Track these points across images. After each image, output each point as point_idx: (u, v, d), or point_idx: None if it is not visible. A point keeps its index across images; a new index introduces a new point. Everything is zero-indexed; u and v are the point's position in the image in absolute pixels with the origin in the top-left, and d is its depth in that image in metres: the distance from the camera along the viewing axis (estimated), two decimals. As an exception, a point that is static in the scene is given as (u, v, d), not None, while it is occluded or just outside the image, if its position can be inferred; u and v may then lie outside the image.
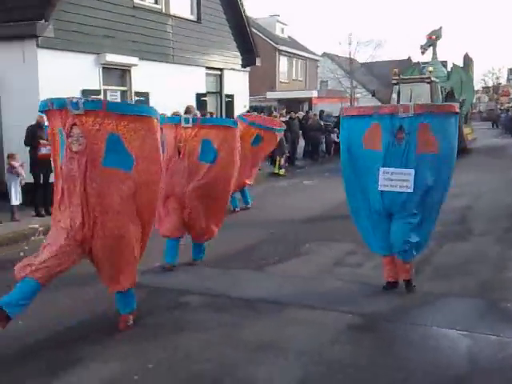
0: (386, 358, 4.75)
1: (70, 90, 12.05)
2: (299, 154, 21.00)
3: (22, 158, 10.39)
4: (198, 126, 7.13)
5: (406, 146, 5.84)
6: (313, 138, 21.08)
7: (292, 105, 30.95)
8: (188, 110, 12.12)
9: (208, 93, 17.88)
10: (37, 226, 9.47)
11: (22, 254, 8.07)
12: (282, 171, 17.57)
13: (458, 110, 6.13)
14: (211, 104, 18.22)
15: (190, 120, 7.13)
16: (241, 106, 19.10)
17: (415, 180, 5.86)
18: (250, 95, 21.50)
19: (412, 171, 5.84)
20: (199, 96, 17.04)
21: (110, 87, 13.87)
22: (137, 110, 5.21)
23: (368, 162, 6.03)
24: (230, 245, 8.51)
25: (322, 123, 21.73)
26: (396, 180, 5.89)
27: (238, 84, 19.32)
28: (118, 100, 14.09)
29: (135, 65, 14.20)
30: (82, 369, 4.63)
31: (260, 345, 4.96)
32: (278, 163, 17.54)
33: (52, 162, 5.44)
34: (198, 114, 12.72)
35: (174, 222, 7.27)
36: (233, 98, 19.09)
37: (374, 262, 7.09)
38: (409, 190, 5.88)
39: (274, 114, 19.33)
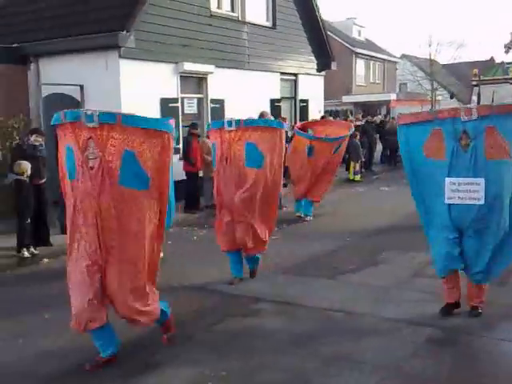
0: (467, 373, 4.58)
1: (150, 98, 12.46)
2: (376, 159, 20.64)
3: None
4: (242, 128, 6.73)
5: (473, 152, 5.28)
6: (390, 143, 20.65)
7: (369, 108, 30.55)
8: (262, 116, 12.16)
9: (282, 98, 17.86)
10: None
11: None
12: (357, 177, 17.28)
13: None
14: (285, 109, 18.20)
15: (233, 123, 6.73)
16: (315, 111, 18.98)
17: (487, 190, 5.29)
18: (326, 99, 21.35)
19: (482, 180, 5.28)
20: (273, 101, 17.06)
21: (187, 95, 14.12)
22: (153, 125, 4.80)
23: (432, 172, 5.52)
24: (304, 252, 8.45)
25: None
26: (464, 191, 5.35)
27: (312, 88, 19.20)
28: (195, 108, 14.34)
29: (211, 72, 14.39)
30: (159, 373, 4.71)
31: (335, 356, 4.88)
32: (352, 169, 17.29)
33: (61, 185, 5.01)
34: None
35: (230, 235, 6.98)
36: (307, 103, 18.99)
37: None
38: (480, 202, 5.32)
39: (350, 118, 19.12)
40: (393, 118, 22.37)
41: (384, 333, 5.41)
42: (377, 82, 41.61)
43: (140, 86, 12.02)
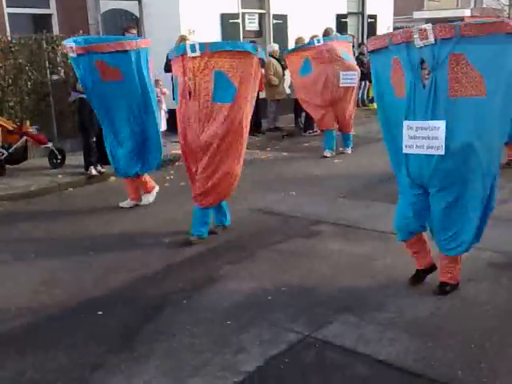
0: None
1: (210, 13, 12.31)
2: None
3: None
4: (207, 54, 5.51)
5: (432, 87, 4.06)
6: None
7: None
8: (326, 33, 11.72)
9: (349, 13, 17.30)
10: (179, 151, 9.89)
11: (168, 178, 8.66)
12: (373, 105, 16.37)
13: None
14: (352, 26, 17.68)
15: (197, 47, 5.53)
16: (384, 28, 18.35)
17: (451, 137, 4.11)
18: (395, 15, 20.54)
19: (442, 124, 4.09)
20: (339, 17, 16.57)
21: (248, 10, 13.86)
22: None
23: (399, 115, 4.36)
24: (364, 175, 8.49)
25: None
26: (422, 138, 4.20)
27: (381, 3, 18.47)
28: (256, 24, 14.08)
29: (274, -15, 14.01)
30: (222, 286, 5.00)
31: (390, 277, 5.02)
32: None
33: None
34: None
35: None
36: (375, 19, 18.37)
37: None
38: (439, 152, 4.16)
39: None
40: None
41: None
42: (450, -4, 39.46)
43: (199, 0, 11.87)
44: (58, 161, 9.34)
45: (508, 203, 6.95)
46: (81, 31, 10.89)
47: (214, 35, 12.62)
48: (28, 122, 9.26)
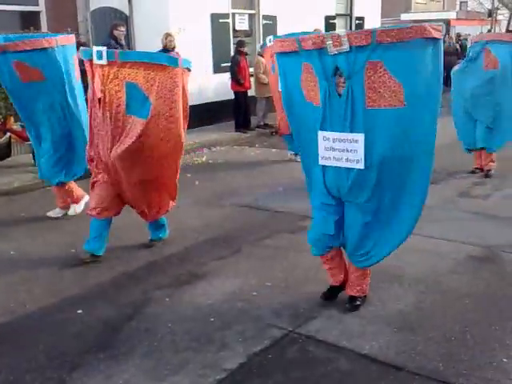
0: (506, 290, 4.64)
1: (200, 12, 12.30)
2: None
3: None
4: (117, 63, 4.92)
5: (348, 97, 3.73)
6: (447, 63, 19.87)
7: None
8: (315, 34, 11.68)
9: (337, 15, 17.35)
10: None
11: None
12: None
13: (436, 34, 3.58)
14: (340, 27, 17.68)
15: (104, 54, 4.89)
16: (371, 29, 18.38)
17: (370, 151, 3.80)
18: (382, 17, 20.60)
19: (360, 137, 3.78)
20: (328, 19, 16.60)
21: (238, 10, 13.87)
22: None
23: (313, 120, 4.01)
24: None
25: (458, 47, 20.49)
26: (340, 150, 3.89)
27: (369, 5, 18.53)
28: (246, 24, 14.08)
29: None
30: (206, 283, 4.93)
31: (376, 271, 4.94)
32: None
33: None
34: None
35: (101, 198, 5.42)
36: (363, 21, 18.41)
37: (503, 192, 6.77)
38: (359, 166, 3.86)
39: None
40: (450, 37, 21.50)
41: (424, 250, 5.46)
42: (437, -1, 39.74)
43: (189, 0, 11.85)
44: (42, 158, 9.17)
45: (489, 198, 6.99)
46: (69, 29, 10.84)
47: (203, 35, 12.61)
48: (12, 119, 9.15)
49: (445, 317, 4.21)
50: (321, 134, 3.93)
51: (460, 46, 20.83)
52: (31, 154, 9.13)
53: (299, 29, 11.95)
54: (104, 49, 4.96)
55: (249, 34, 14.29)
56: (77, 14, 12.05)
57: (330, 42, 3.64)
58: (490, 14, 27.85)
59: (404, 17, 33.59)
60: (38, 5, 11.47)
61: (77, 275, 5.16)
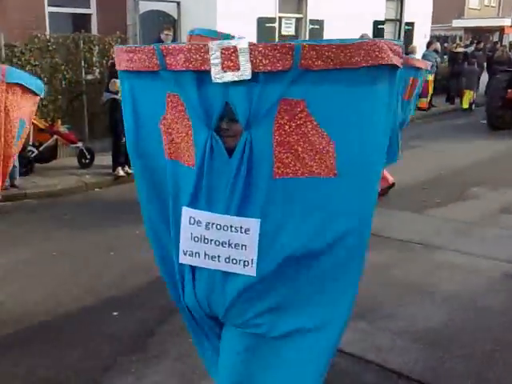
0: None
1: (247, 17, 12.39)
2: (481, 90, 19.62)
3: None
4: (4, 84, 4.29)
5: (243, 158, 2.14)
6: (498, 73, 19.48)
7: (480, 35, 28.76)
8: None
9: (386, 20, 17.17)
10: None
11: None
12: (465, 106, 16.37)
13: (395, 60, 2.11)
14: (389, 33, 17.54)
15: None
16: (421, 36, 18.17)
17: (266, 245, 2.23)
18: (434, 23, 20.32)
19: (254, 224, 2.21)
20: (377, 24, 16.45)
21: (285, 14, 13.89)
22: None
23: (177, 189, 2.38)
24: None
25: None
26: (217, 243, 2.29)
27: (420, 11, 18.27)
28: (293, 29, 14.10)
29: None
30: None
31: (409, 285, 4.99)
32: (465, 98, 16.31)
33: None
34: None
35: None
36: (413, 27, 18.18)
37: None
38: (248, 272, 2.25)
39: (458, 42, 18.18)
40: (503, 45, 21.01)
41: (461, 266, 5.40)
42: (492, 5, 38.83)
43: (237, 3, 11.95)
44: (87, 161, 9.45)
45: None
46: (118, 32, 11.14)
47: (249, 39, 12.63)
48: (59, 122, 9.44)
49: (476, 335, 4.16)
50: (187, 212, 2.32)
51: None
52: (76, 157, 9.41)
53: (346, 34, 11.99)
54: None
55: (295, 38, 14.31)
56: (126, 17, 12.28)
57: (218, 59, 2.02)
58: None
59: (456, 23, 32.93)
60: (89, 7, 11.79)
61: (115, 278, 5.29)
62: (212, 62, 2.02)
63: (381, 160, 2.29)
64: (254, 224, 2.21)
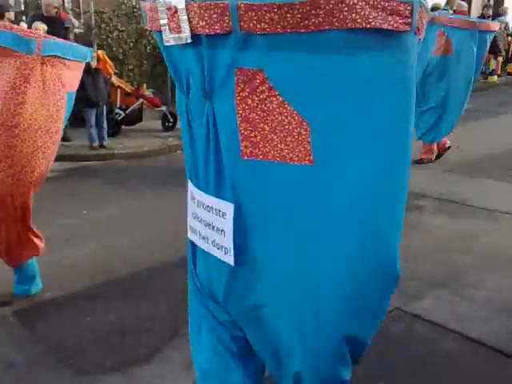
0: None
1: None
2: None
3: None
4: (38, 56, 3.54)
5: (209, 133, 1.93)
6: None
7: None
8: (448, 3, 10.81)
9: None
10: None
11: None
12: (493, 78, 14.72)
13: (382, 23, 1.62)
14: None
15: None
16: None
17: (243, 234, 1.99)
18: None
19: (228, 208, 1.96)
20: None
21: None
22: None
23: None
24: (470, 152, 8.17)
25: None
26: (205, 224, 2.11)
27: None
28: None
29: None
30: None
31: (493, 254, 4.85)
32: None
33: None
34: (465, 6, 10.53)
35: None
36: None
37: None
38: (227, 259, 2.02)
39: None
40: None
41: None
42: None
43: None
44: (170, 124, 9.65)
45: None
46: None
47: None
48: (145, 85, 9.68)
49: None
50: (189, 185, 2.25)
51: None
52: (160, 120, 9.66)
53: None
54: None
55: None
56: None
57: (165, 21, 1.81)
58: None
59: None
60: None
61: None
62: (161, 22, 1.81)
63: (381, 149, 1.82)
64: (229, 208, 1.96)
